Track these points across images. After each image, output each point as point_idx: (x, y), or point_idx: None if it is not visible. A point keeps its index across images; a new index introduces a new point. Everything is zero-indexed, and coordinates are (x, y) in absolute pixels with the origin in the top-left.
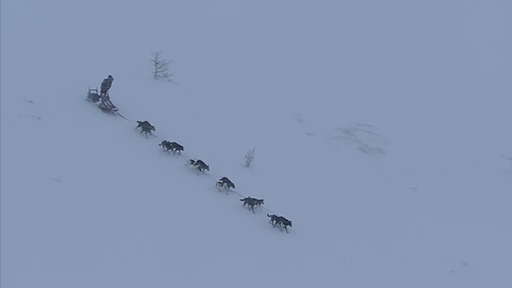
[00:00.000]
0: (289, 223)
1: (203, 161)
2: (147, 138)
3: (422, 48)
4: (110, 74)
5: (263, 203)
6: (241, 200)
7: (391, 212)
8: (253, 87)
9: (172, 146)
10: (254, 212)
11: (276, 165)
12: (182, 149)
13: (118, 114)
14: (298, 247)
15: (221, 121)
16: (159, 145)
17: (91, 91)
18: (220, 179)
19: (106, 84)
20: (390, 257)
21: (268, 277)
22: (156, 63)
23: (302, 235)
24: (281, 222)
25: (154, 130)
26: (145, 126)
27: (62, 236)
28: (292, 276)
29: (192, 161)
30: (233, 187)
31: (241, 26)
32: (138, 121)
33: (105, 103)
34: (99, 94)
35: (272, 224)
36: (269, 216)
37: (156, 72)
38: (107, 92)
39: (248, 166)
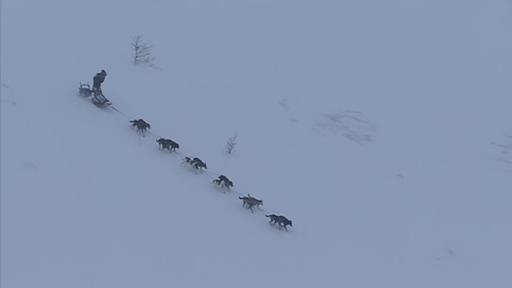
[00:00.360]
0: (289, 222)
1: (200, 158)
2: (144, 136)
3: (411, 33)
4: (103, 69)
5: (262, 204)
6: (240, 198)
7: (377, 200)
8: (236, 72)
9: (167, 144)
10: (252, 212)
11: (259, 152)
12: (178, 147)
13: (112, 107)
14: (288, 241)
15: (202, 106)
16: (157, 141)
17: (83, 86)
18: (218, 177)
19: (99, 78)
20: (375, 245)
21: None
22: (137, 47)
23: (291, 228)
24: (280, 221)
25: (149, 127)
26: (140, 124)
27: (32, 224)
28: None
29: (188, 159)
30: (231, 185)
31: (223, 9)
32: (131, 121)
33: (98, 97)
34: (91, 89)
35: (271, 223)
36: (267, 216)
37: (137, 56)
38: (100, 87)
39: (230, 152)
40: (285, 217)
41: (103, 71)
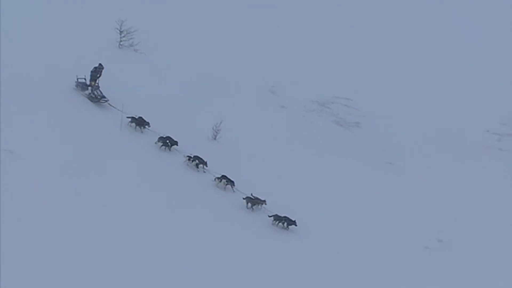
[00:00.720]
0: (294, 222)
1: (200, 156)
2: (142, 132)
3: (402, 19)
4: (100, 62)
5: (265, 204)
6: (243, 199)
7: (366, 188)
8: (224, 58)
9: (166, 142)
10: (253, 211)
11: (245, 138)
12: (177, 144)
13: (109, 104)
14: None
15: (188, 92)
16: (156, 142)
17: (79, 80)
18: (219, 176)
19: (96, 72)
20: (363, 234)
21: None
22: (121, 32)
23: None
24: (284, 222)
25: (149, 126)
26: (139, 122)
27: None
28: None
29: (190, 157)
30: (233, 185)
31: None
32: (129, 117)
33: (95, 93)
34: (88, 83)
35: (275, 224)
36: (270, 217)
37: (121, 41)
38: (97, 81)
39: (215, 139)
40: (289, 217)
41: (100, 64)
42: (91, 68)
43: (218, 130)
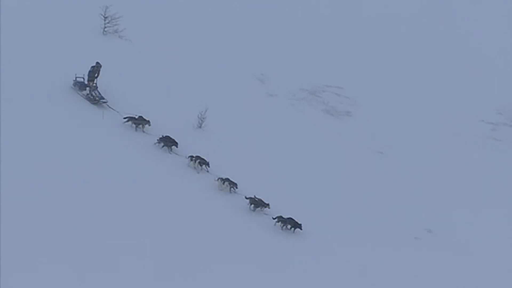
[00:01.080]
0: (299, 226)
1: (202, 157)
2: (136, 131)
3: (398, 7)
4: (97, 61)
5: (269, 208)
6: (246, 198)
7: (355, 178)
8: (211, 45)
9: (167, 142)
10: (263, 213)
11: (231, 127)
12: (177, 146)
13: (108, 106)
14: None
15: (175, 80)
16: (156, 141)
17: (78, 79)
18: (222, 178)
19: (94, 72)
20: (352, 224)
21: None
22: (105, 18)
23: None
24: (288, 224)
25: (149, 125)
26: (138, 121)
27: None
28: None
29: (192, 157)
30: (236, 187)
31: None
32: (127, 117)
33: (93, 93)
34: (86, 82)
35: (280, 226)
36: (274, 219)
37: (105, 27)
38: (95, 81)
39: (200, 127)
40: (294, 219)
41: (97, 63)
42: (89, 68)
43: (203, 118)
